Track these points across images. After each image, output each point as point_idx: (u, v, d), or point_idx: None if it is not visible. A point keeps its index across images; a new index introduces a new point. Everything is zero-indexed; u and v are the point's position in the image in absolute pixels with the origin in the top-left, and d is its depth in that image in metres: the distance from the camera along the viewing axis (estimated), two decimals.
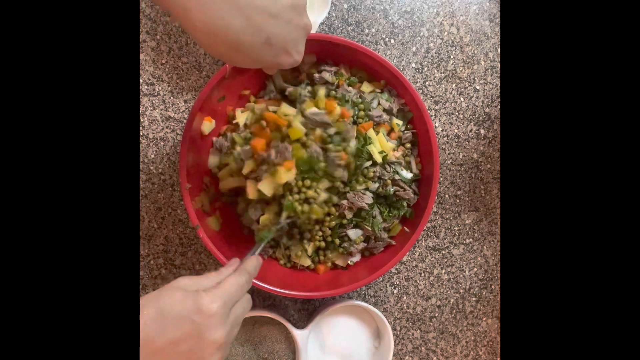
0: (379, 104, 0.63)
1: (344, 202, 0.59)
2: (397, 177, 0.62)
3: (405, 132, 0.64)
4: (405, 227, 0.63)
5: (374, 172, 0.60)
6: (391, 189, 0.61)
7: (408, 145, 0.64)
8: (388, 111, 0.63)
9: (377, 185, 0.61)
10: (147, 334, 0.38)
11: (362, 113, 0.62)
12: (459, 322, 0.74)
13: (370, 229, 0.61)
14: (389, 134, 0.63)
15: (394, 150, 0.62)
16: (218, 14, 0.36)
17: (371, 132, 0.60)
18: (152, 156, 0.69)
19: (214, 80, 0.58)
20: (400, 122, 0.63)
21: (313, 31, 0.66)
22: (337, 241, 0.62)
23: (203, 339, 0.40)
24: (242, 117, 0.61)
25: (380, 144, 0.60)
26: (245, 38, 0.38)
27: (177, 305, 0.40)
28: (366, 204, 0.60)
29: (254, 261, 0.49)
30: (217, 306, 0.41)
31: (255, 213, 0.60)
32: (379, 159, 0.60)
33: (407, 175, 0.62)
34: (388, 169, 0.61)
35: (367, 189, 0.60)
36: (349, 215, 0.60)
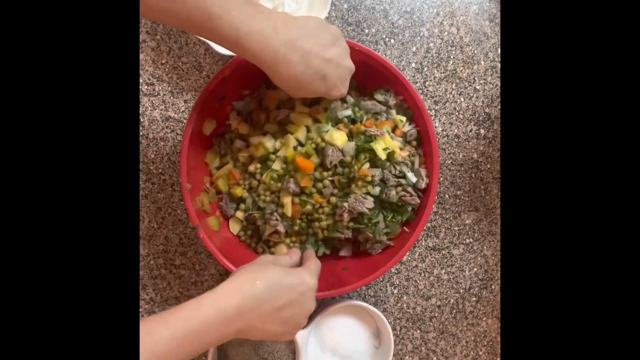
0: (373, 97, 0.62)
1: (345, 204, 0.57)
2: (404, 181, 0.59)
3: (410, 129, 0.62)
4: (405, 228, 0.62)
5: (373, 175, 0.58)
6: (395, 196, 0.59)
7: (414, 143, 0.62)
8: (384, 103, 0.62)
9: (378, 189, 0.58)
10: (261, 299, 0.46)
11: (358, 111, 0.61)
12: (459, 322, 0.74)
13: (371, 234, 0.60)
14: (393, 131, 0.62)
15: (400, 149, 0.60)
16: (290, 66, 0.50)
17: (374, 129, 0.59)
18: (152, 156, 0.69)
19: (214, 80, 0.58)
20: (404, 118, 0.62)
21: None
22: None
23: (303, 306, 0.49)
24: (243, 127, 0.62)
25: (385, 142, 0.58)
26: (307, 77, 0.51)
27: (285, 277, 0.48)
28: (367, 208, 0.58)
29: (314, 254, 0.59)
30: (314, 281, 0.51)
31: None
32: (383, 155, 0.57)
33: (413, 179, 0.60)
34: (393, 170, 0.59)
35: (368, 193, 0.58)
36: (347, 218, 0.58)
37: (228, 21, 0.46)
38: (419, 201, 0.61)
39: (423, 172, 0.61)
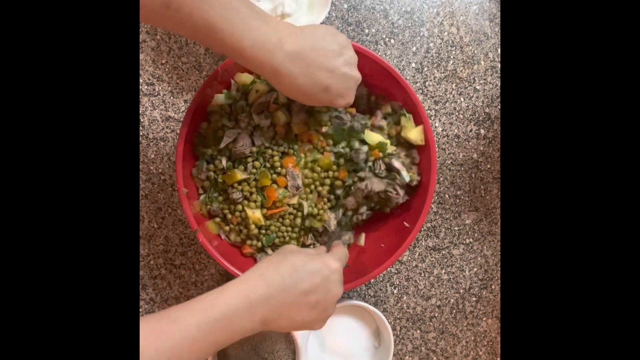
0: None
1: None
2: (397, 179, 0.60)
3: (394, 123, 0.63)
4: (405, 222, 0.62)
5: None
6: (381, 188, 0.60)
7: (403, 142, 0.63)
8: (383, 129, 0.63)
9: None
10: (285, 285, 0.46)
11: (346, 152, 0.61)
12: (459, 322, 0.74)
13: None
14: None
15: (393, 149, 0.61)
16: (292, 78, 0.50)
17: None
18: (152, 156, 0.69)
19: (207, 83, 0.58)
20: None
21: None
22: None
23: (329, 291, 0.48)
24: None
25: (368, 137, 0.60)
26: (309, 88, 0.51)
27: (308, 262, 0.48)
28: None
29: (342, 246, 0.58)
30: (339, 265, 0.50)
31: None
32: (372, 141, 0.59)
33: (406, 177, 0.60)
34: (379, 165, 0.60)
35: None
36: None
37: (231, 34, 0.46)
38: (401, 201, 0.62)
39: (415, 170, 0.63)
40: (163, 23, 0.45)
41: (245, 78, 0.61)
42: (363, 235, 0.65)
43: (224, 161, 0.59)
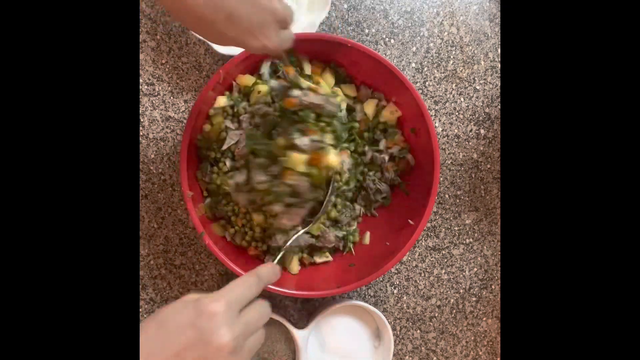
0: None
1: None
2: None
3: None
4: (409, 220, 0.62)
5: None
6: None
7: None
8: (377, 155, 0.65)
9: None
10: (149, 352, 0.35)
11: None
12: (459, 322, 0.74)
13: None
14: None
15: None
16: None
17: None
18: (152, 156, 0.69)
19: (209, 85, 0.58)
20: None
21: (312, 31, 0.66)
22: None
23: (209, 343, 0.36)
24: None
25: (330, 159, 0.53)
26: (206, 12, 0.38)
27: (177, 314, 0.37)
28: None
29: (267, 266, 0.45)
30: (219, 305, 0.37)
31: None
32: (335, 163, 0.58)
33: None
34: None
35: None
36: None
37: None
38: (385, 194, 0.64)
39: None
40: None
41: (247, 80, 0.61)
42: (368, 234, 0.65)
43: (228, 163, 0.59)
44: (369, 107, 0.64)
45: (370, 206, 0.66)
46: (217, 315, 0.37)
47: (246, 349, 0.39)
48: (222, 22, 0.39)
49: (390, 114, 0.64)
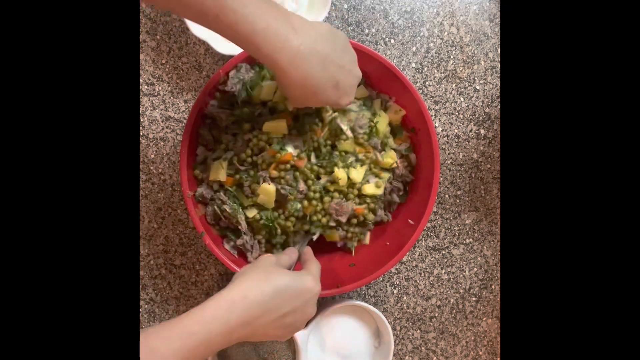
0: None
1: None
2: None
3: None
4: (409, 220, 0.62)
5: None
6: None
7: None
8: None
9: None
10: (268, 308, 0.45)
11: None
12: (459, 322, 0.74)
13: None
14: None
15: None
16: (308, 69, 0.47)
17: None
18: (152, 156, 0.69)
19: (208, 86, 0.58)
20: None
21: None
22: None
23: (304, 313, 0.49)
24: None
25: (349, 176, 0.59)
26: (322, 82, 0.48)
27: (291, 285, 0.47)
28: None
29: (318, 263, 0.56)
30: (319, 288, 0.50)
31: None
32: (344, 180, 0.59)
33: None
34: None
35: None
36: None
37: (243, 15, 0.42)
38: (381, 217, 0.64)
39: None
40: (167, 3, 0.42)
41: None
42: (368, 234, 0.65)
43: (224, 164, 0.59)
44: (377, 108, 0.64)
45: (389, 207, 0.66)
46: (317, 294, 0.50)
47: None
48: (330, 89, 0.49)
49: (394, 113, 0.64)
